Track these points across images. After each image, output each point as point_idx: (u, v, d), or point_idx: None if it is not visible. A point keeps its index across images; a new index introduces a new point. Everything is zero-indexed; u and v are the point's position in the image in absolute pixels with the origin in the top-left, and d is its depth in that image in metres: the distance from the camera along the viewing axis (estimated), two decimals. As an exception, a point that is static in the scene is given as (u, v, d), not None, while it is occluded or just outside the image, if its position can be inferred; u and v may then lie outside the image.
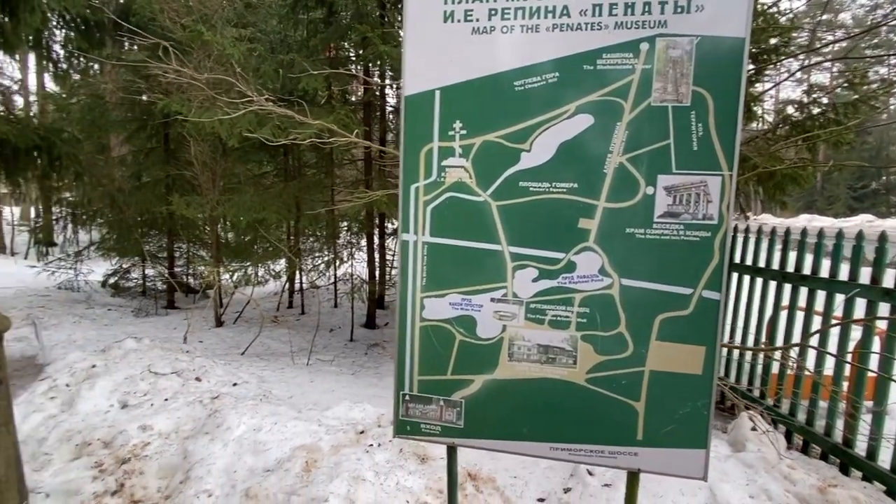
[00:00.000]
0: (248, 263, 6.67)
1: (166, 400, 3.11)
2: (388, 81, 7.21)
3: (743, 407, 2.75)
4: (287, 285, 8.03)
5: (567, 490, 2.40)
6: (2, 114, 6.72)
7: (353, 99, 7.11)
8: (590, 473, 2.43)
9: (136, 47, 6.89)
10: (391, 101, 7.76)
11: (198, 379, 3.48)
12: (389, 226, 7.67)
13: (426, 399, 1.56)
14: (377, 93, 6.70)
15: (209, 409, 2.90)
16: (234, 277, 6.52)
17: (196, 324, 6.10)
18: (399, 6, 6.18)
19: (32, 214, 17.20)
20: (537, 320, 1.44)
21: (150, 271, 8.10)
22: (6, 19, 5.72)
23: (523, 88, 1.38)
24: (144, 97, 7.12)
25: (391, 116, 7.72)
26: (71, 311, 6.74)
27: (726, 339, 3.81)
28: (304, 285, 7.84)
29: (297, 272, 7.59)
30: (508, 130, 1.41)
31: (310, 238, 7.61)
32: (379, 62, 5.92)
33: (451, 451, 1.61)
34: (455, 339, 1.52)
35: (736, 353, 3.80)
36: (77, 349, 4.46)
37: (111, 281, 8.11)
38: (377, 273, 6.99)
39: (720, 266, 1.32)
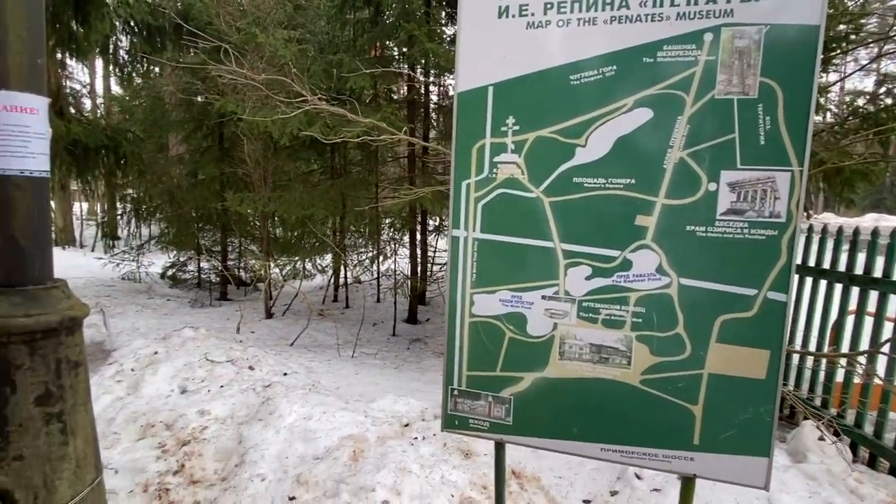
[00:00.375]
0: (297, 258, 6.88)
1: (222, 387, 3.26)
2: (432, 79, 7.26)
3: (807, 415, 2.60)
4: (332, 280, 8.24)
5: (614, 493, 2.36)
6: (74, 116, 7.22)
7: (396, 97, 7.20)
8: (638, 477, 2.37)
9: (192, 51, 7.23)
10: (434, 98, 7.81)
11: (251, 368, 3.63)
12: (431, 223, 7.73)
13: (475, 394, 1.57)
14: (421, 91, 6.76)
15: (262, 396, 3.03)
16: (284, 271, 6.75)
17: (247, 315, 6.37)
18: (444, 3, 6.20)
19: (99, 210, 18.42)
20: (590, 319, 1.42)
21: (204, 264, 8.51)
22: (79, 28, 6.14)
23: (579, 82, 1.36)
24: (200, 98, 7.47)
25: (433, 114, 7.77)
26: (134, 300, 7.18)
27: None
28: (349, 280, 8.03)
29: (343, 267, 7.78)
30: (563, 125, 1.39)
31: (354, 234, 7.78)
32: (424, 60, 5.96)
33: (500, 448, 1.61)
34: (504, 336, 1.51)
35: (795, 358, 3.60)
36: (140, 336, 4.75)
37: (169, 273, 8.58)
38: (419, 269, 7.07)
39: (787, 266, 1.25)
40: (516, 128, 1.43)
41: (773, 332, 1.28)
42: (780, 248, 1.26)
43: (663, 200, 1.32)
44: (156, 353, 3.74)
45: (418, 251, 7.08)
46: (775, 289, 1.27)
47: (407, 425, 2.80)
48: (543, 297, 1.45)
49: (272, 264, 6.65)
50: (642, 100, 1.31)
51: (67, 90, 10.38)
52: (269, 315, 6.67)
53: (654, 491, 2.29)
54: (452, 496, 2.21)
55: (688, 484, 1.44)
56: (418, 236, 7.08)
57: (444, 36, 6.28)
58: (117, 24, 7.12)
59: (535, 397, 1.50)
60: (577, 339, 1.43)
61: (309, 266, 7.47)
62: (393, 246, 7.50)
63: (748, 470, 1.33)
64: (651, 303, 1.35)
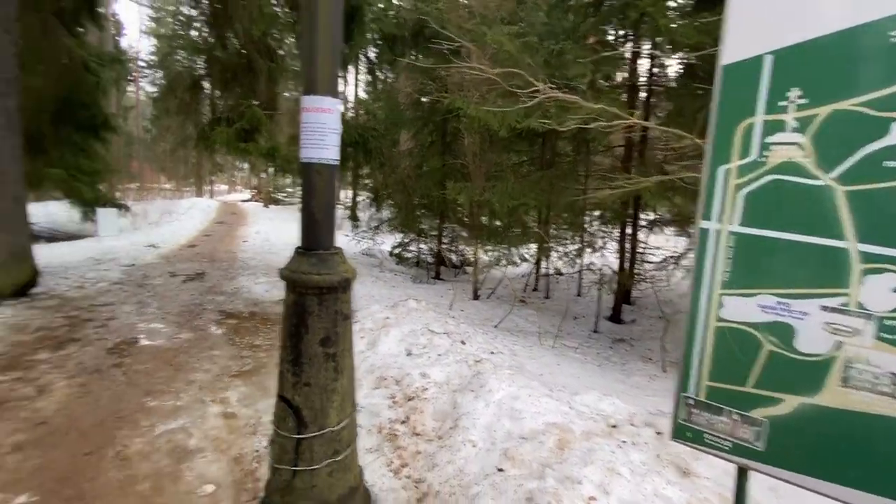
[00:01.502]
0: (504, 245, 7.18)
1: (439, 355, 3.62)
2: (656, 60, 6.65)
3: None
4: (534, 269, 8.36)
5: (893, 569, 1.84)
6: (336, 118, 8.84)
7: (614, 83, 6.81)
8: (936, 560, 1.79)
9: (420, 56, 8.08)
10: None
11: (462, 342, 3.94)
12: (643, 217, 7.15)
13: (716, 408, 1.39)
14: (641, 76, 6.26)
15: (473, 370, 3.26)
16: (491, 257, 7.12)
17: (458, 294, 6.93)
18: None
19: (346, 196, 22.30)
20: (895, 342, 1.11)
21: (423, 246, 9.55)
22: (345, 44, 7.46)
23: (909, 38, 1.05)
24: (425, 98, 8.33)
25: (654, 98, 7.12)
26: (370, 272, 8.49)
27: None
28: (550, 271, 8.02)
29: (545, 258, 7.83)
30: (874, 95, 1.10)
31: (560, 226, 7.73)
32: (652, 40, 5.49)
33: (742, 474, 1.40)
34: (762, 348, 1.30)
35: None
36: (375, 303, 5.60)
37: (396, 251, 9.89)
38: (627, 265, 6.64)
39: None
40: (803, 101, 1.19)
41: None
42: None
43: None
44: (387, 318, 4.36)
45: (627, 246, 6.64)
46: None
47: (614, 426, 2.68)
48: (824, 308, 1.19)
49: (480, 250, 7.06)
50: None
51: (331, 97, 12.73)
52: (476, 297, 7.12)
53: (963, 585, 1.71)
54: (667, 513, 2.03)
55: None
56: (628, 230, 6.64)
57: (675, 9, 5.67)
58: (370, 37, 8.43)
59: (799, 425, 1.26)
60: (872, 364, 1.14)
61: (514, 254, 7.71)
62: (602, 239, 7.21)
63: None
64: None
